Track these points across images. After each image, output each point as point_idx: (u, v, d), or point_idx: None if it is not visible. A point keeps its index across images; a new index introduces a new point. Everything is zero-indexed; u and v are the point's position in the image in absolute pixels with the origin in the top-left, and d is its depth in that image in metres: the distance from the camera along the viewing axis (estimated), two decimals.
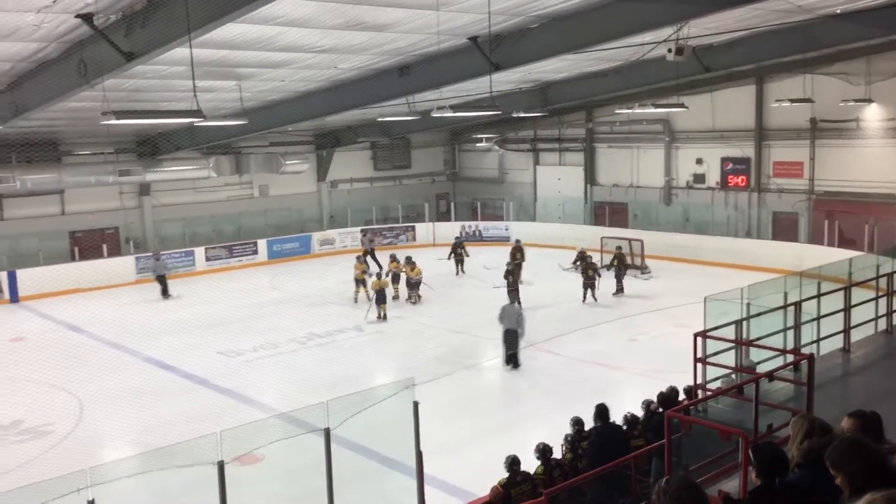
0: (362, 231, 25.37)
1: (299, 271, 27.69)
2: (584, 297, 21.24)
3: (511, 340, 15.75)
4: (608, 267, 22.40)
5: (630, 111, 22.75)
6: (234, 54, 15.10)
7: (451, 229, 32.49)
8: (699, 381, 9.70)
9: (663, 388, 9.85)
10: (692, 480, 3.46)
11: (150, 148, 27.22)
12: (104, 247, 26.67)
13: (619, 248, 22.71)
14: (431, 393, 13.25)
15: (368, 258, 24.07)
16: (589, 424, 9.22)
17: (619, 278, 22.17)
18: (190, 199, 29.21)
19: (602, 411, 8.85)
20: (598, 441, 8.58)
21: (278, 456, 9.99)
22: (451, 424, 12.66)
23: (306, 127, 28.97)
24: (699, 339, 9.47)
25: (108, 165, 26.26)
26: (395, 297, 21.90)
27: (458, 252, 25.41)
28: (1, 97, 15.33)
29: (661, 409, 9.22)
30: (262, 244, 29.68)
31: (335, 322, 20.10)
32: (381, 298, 20.11)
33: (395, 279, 22.33)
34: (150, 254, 25.98)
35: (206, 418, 13.44)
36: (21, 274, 24.26)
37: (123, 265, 26.25)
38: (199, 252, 28.03)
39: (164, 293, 23.78)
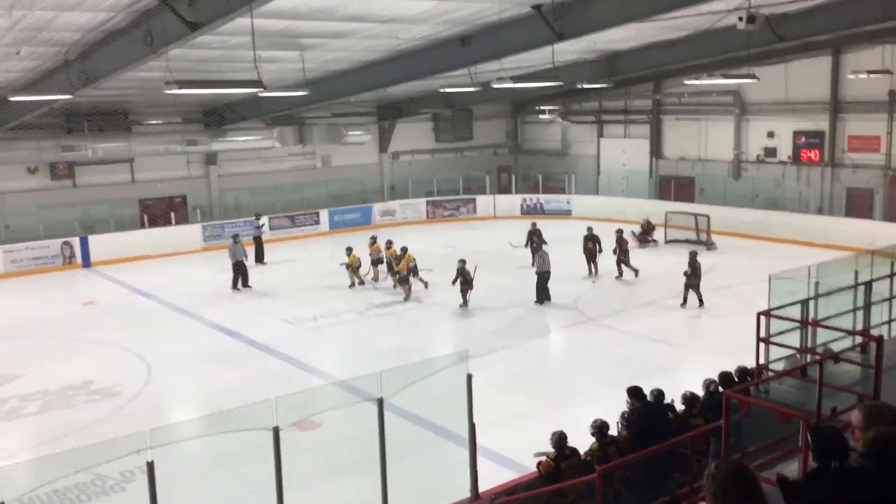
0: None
1: (360, 242, 27.87)
2: (619, 271, 21.12)
3: (544, 281, 18.74)
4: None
5: (699, 82, 22.10)
6: (297, 24, 15.16)
7: (512, 202, 32.32)
8: (762, 361, 9.44)
9: (725, 368, 9.62)
10: (743, 467, 3.32)
11: (217, 118, 27.72)
12: (172, 215, 27.37)
13: (620, 230, 21.43)
14: (488, 365, 13.24)
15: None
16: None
17: (619, 263, 21.10)
18: (254, 169, 29.68)
19: (636, 392, 8.70)
20: (638, 420, 8.43)
21: (336, 423, 10.16)
22: (507, 397, 12.63)
23: (368, 98, 29.03)
24: (763, 319, 9.19)
25: (176, 135, 26.89)
26: (374, 279, 21.37)
27: (533, 241, 22.89)
28: (72, 66, 15.72)
29: (721, 389, 9.01)
30: (323, 214, 30.02)
31: (395, 293, 20.22)
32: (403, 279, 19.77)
33: (377, 263, 21.49)
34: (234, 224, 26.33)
35: (268, 384, 13.72)
36: (93, 240, 25.10)
37: (191, 233, 26.91)
38: (263, 221, 28.45)
39: (243, 282, 21.47)
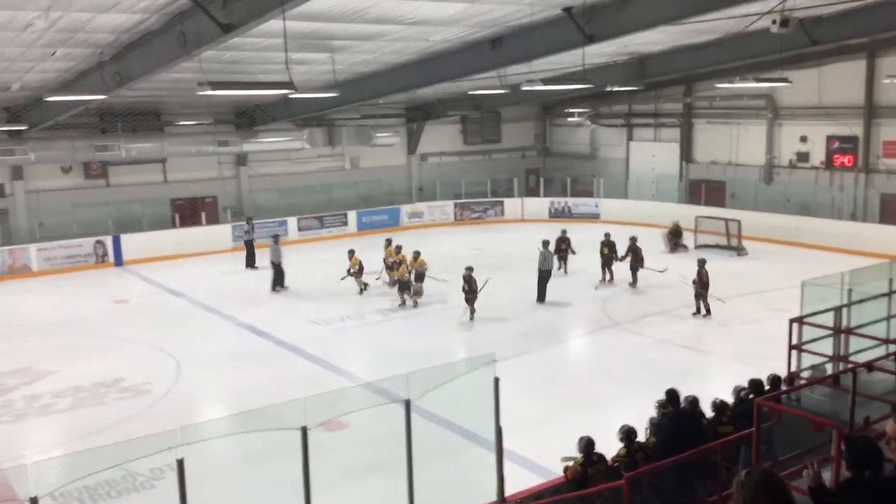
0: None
1: (368, 245, 27.96)
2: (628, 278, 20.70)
3: (544, 280, 19.12)
4: (622, 258, 20.90)
5: (731, 86, 21.85)
6: (328, 26, 15.25)
7: (540, 205, 32.22)
8: (793, 368, 9.32)
9: (753, 375, 9.52)
10: (774, 475, 3.29)
11: (248, 119, 27.98)
12: (203, 214, 27.66)
13: (634, 238, 21.03)
14: (515, 369, 13.21)
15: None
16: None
17: (633, 270, 20.64)
18: (284, 170, 29.90)
19: (672, 395, 8.60)
20: (669, 425, 8.35)
21: (362, 424, 10.20)
22: (533, 401, 12.59)
23: (397, 100, 29.12)
24: (795, 326, 9.08)
25: (207, 136, 27.16)
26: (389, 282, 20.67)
27: (562, 248, 22.26)
28: (106, 67, 15.96)
29: (751, 396, 8.91)
30: (351, 216, 30.15)
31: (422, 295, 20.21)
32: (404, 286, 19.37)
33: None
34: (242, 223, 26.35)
35: (295, 384, 13.82)
36: (125, 238, 25.44)
37: (220, 233, 27.18)
38: (292, 222, 28.72)
39: (280, 283, 21.74)
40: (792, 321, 9.11)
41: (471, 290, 17.89)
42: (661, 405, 9.12)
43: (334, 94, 18.72)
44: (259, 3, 11.18)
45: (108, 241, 25.18)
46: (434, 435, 10.76)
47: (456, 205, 32.33)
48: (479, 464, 10.69)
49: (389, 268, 20.59)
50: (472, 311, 17.86)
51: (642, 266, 20.57)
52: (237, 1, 11.45)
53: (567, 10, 14.91)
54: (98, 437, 11.44)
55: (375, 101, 26.53)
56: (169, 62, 14.21)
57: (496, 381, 8.40)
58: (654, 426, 8.75)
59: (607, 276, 21.02)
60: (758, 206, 27.38)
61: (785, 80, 19.97)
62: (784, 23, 13.76)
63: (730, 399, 9.39)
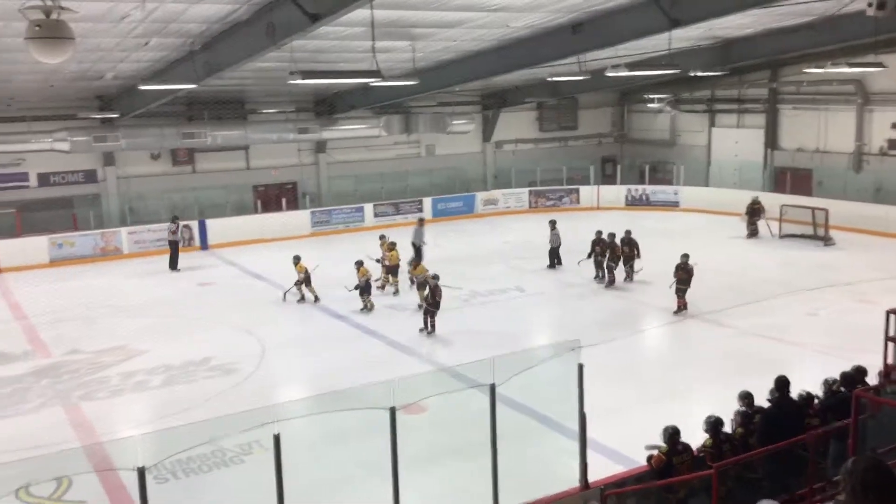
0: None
1: (462, 230, 28.13)
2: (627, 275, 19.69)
3: (555, 253, 21.00)
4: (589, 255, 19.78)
5: (821, 71, 21.08)
6: (410, 14, 15.38)
7: (616, 193, 31.81)
8: (890, 361, 9.03)
9: (839, 367, 9.27)
10: (881, 461, 3.23)
11: (327, 107, 28.44)
12: (283, 200, 28.30)
13: (612, 234, 19.75)
14: (592, 356, 13.09)
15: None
16: (759, 398, 8.85)
17: (609, 268, 19.52)
18: (361, 157, 30.32)
19: (782, 383, 8.40)
20: (774, 413, 8.18)
21: (440, 408, 10.32)
22: (612, 389, 12.50)
23: (474, 87, 29.14)
24: (892, 317, 8.78)
25: (288, 123, 27.78)
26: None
27: (624, 251, 19.77)
28: (196, 57, 16.46)
29: (843, 389, 8.68)
30: (427, 202, 30.36)
31: (497, 282, 20.30)
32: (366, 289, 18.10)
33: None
34: None
35: (374, 366, 14.10)
36: (210, 223, 26.28)
37: (300, 218, 27.78)
38: (368, 208, 29.13)
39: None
40: (889, 312, 8.82)
41: (434, 303, 15.99)
42: (745, 396, 8.97)
43: (414, 82, 18.85)
44: None
45: (195, 225, 26.05)
46: (512, 420, 10.80)
47: (531, 192, 32.19)
48: (557, 450, 10.72)
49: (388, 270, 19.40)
50: (433, 325, 16.07)
51: (616, 265, 19.46)
52: None
53: None
54: (189, 414, 11.91)
55: (452, 88, 26.62)
56: (257, 52, 14.56)
57: (580, 367, 8.41)
58: (743, 416, 8.60)
59: (630, 275, 19.69)
60: (846, 194, 26.39)
61: (880, 64, 19.17)
62: (881, 5, 13.22)
63: (815, 391, 9.17)
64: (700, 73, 25.69)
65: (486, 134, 33.13)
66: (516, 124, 33.70)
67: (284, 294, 19.05)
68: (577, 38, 17.76)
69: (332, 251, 22.43)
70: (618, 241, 19.58)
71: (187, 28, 14.86)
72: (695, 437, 8.39)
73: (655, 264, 18.99)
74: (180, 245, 23.92)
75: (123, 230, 25.40)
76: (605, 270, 19.64)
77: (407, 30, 16.81)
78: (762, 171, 30.00)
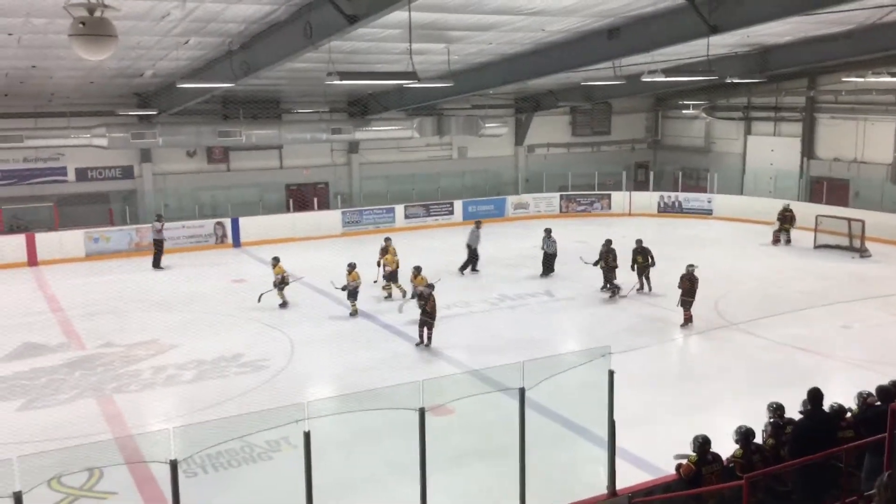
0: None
1: (493, 233, 28.06)
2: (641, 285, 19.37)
3: (549, 261, 21.04)
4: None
5: (861, 80, 20.77)
6: (447, 17, 15.43)
7: (649, 199, 31.59)
8: None
9: (873, 381, 9.12)
10: None
11: (360, 108, 28.61)
12: (315, 200, 28.51)
13: (609, 241, 19.58)
14: (621, 363, 13.03)
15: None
16: (791, 410, 8.75)
17: (607, 278, 19.29)
18: (393, 158, 30.46)
19: (816, 396, 8.28)
20: (807, 425, 8.06)
21: (467, 410, 10.35)
22: (642, 397, 12.43)
23: (507, 90, 29.12)
24: None
25: (322, 123, 28.00)
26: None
27: (638, 260, 19.48)
28: (234, 57, 16.66)
29: (878, 403, 8.54)
30: (458, 205, 30.39)
31: (526, 285, 20.27)
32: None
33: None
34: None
35: (401, 367, 14.17)
36: (243, 221, 26.54)
37: (332, 218, 27.96)
38: (399, 209, 29.22)
39: (472, 267, 21.86)
40: None
41: (427, 312, 15.25)
42: (776, 408, 8.87)
43: (449, 84, 18.90)
44: None
45: (228, 222, 26.34)
46: (538, 424, 10.79)
47: (562, 197, 32.09)
48: (585, 456, 10.69)
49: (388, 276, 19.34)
50: (430, 337, 15.42)
51: (613, 276, 19.23)
52: None
53: None
54: (220, 409, 12.04)
55: (486, 91, 26.64)
56: (294, 52, 14.71)
57: (611, 373, 8.37)
58: (774, 427, 8.49)
59: (645, 285, 19.39)
60: (884, 206, 25.98)
61: None
62: None
63: (847, 404, 9.04)
64: (737, 80, 25.43)
65: (519, 137, 33.10)
66: (549, 128, 33.62)
67: (260, 297, 18.51)
68: (612, 44, 17.68)
69: (363, 252, 22.45)
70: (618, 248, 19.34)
71: (226, 27, 15.05)
72: (724, 447, 8.31)
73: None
74: (164, 245, 23.56)
75: (158, 226, 25.63)
76: (649, 282, 19.35)
77: (443, 32, 16.86)
78: (798, 181, 29.61)
